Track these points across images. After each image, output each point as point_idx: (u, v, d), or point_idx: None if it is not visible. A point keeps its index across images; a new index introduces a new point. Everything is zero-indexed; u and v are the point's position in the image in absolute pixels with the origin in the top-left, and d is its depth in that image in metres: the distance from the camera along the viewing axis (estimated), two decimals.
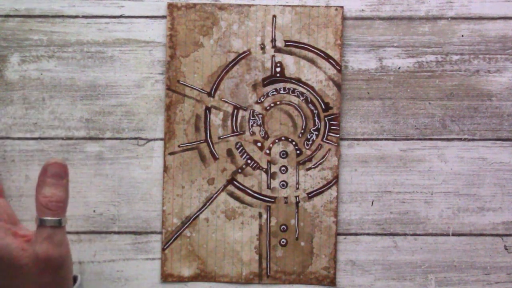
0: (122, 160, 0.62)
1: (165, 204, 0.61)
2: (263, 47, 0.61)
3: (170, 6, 0.61)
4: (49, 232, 0.52)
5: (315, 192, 0.62)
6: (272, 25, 0.61)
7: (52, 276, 0.53)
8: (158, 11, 0.61)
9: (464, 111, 0.62)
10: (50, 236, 0.52)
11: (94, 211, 0.62)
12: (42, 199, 0.53)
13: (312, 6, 0.61)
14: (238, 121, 0.62)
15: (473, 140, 0.62)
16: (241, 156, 0.62)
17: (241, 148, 0.62)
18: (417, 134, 0.62)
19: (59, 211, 0.53)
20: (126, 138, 0.62)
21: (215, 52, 0.61)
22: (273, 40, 0.61)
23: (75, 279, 0.57)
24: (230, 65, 0.61)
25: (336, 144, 0.62)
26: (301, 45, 0.61)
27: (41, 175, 0.54)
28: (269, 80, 0.61)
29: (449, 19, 0.62)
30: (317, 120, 0.62)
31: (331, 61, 0.61)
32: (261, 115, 0.62)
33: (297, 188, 0.62)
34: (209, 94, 0.61)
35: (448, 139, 0.62)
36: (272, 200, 0.62)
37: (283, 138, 0.62)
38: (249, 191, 0.62)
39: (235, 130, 0.62)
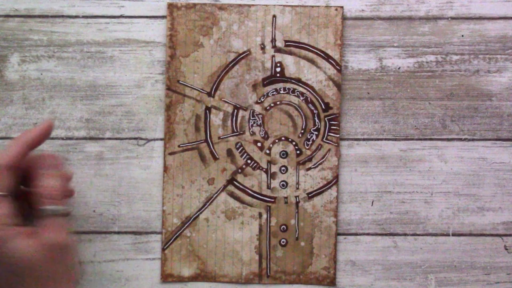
0: (122, 160, 0.62)
1: (165, 204, 0.61)
2: (263, 47, 0.61)
3: (170, 6, 0.61)
4: (54, 220, 0.53)
5: (315, 192, 0.62)
6: (272, 25, 0.61)
7: (60, 266, 0.53)
8: (158, 11, 0.61)
9: (464, 111, 0.62)
10: (55, 223, 0.53)
11: (94, 211, 0.62)
12: (43, 190, 0.53)
13: (312, 6, 0.61)
14: (238, 121, 0.62)
15: (473, 140, 0.62)
16: (241, 156, 0.62)
17: (241, 148, 0.62)
18: (417, 134, 0.62)
19: (60, 199, 0.53)
20: (126, 138, 0.62)
21: (215, 52, 0.61)
22: (273, 40, 0.61)
23: None
24: (230, 65, 0.61)
25: (336, 144, 0.62)
26: (301, 45, 0.61)
27: (36, 169, 0.54)
28: (269, 80, 0.61)
29: (449, 19, 0.62)
30: (317, 120, 0.61)
31: (331, 61, 0.61)
32: (261, 115, 0.62)
33: (297, 188, 0.62)
34: (209, 94, 0.61)
35: (448, 139, 0.62)
36: (272, 200, 0.62)
37: (283, 138, 0.62)
38: (249, 191, 0.62)
39: (235, 130, 0.62)
